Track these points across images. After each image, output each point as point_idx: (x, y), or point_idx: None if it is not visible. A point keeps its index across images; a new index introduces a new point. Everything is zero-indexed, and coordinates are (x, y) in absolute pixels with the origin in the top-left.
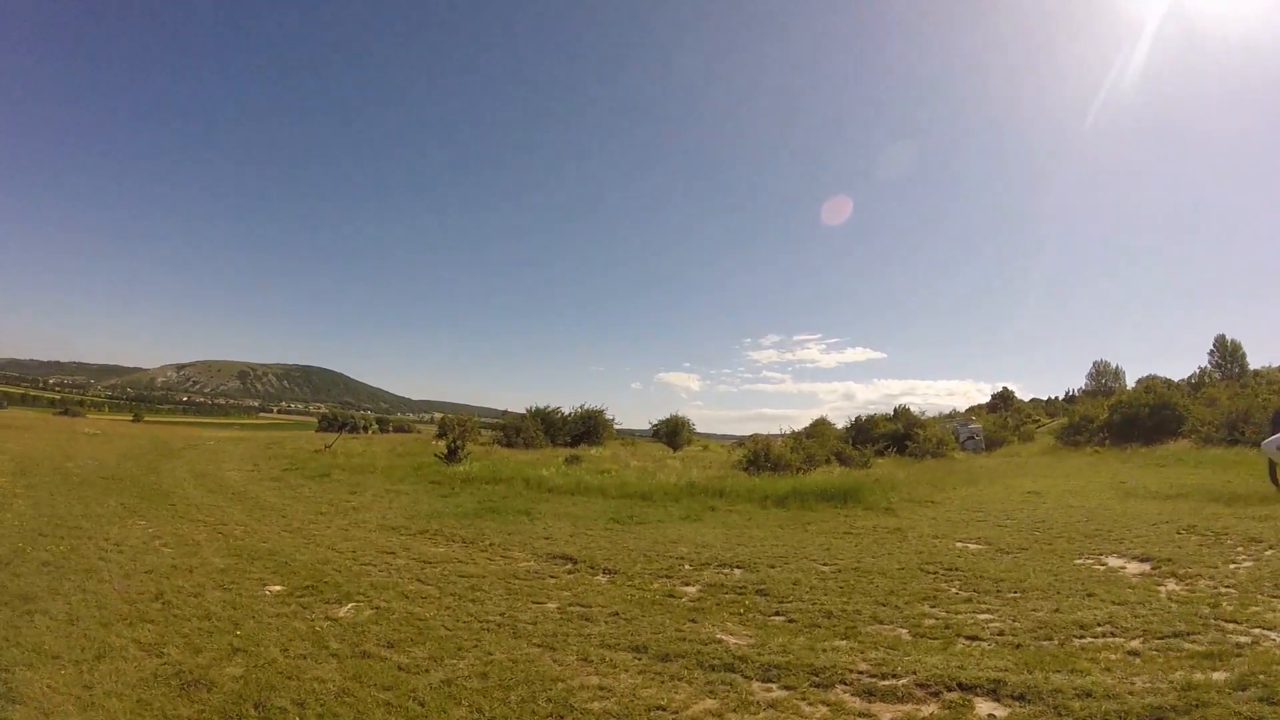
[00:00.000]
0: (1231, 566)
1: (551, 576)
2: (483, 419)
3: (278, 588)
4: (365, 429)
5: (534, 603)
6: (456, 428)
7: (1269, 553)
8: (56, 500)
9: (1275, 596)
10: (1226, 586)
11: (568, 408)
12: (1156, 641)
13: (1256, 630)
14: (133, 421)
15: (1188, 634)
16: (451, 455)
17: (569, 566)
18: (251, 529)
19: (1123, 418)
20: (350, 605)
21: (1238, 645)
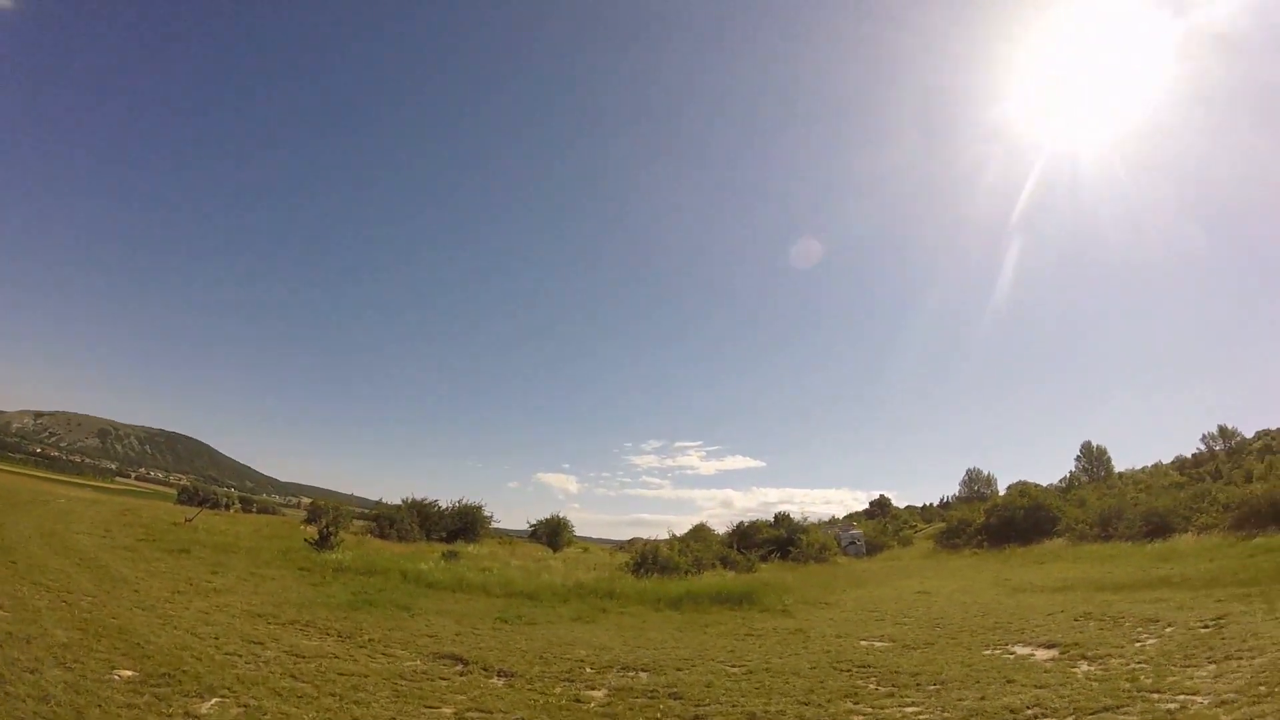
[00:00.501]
0: (1137, 645)
1: (442, 678)
2: (354, 508)
3: (129, 672)
4: (228, 506)
5: (426, 707)
6: (329, 513)
7: (1169, 629)
8: None
9: (1189, 666)
10: (1138, 662)
11: (444, 502)
12: (1090, 718)
13: (1181, 696)
14: None
15: (1117, 707)
16: (323, 542)
17: (459, 667)
18: (100, 601)
19: (999, 520)
20: (214, 700)
21: (1169, 711)
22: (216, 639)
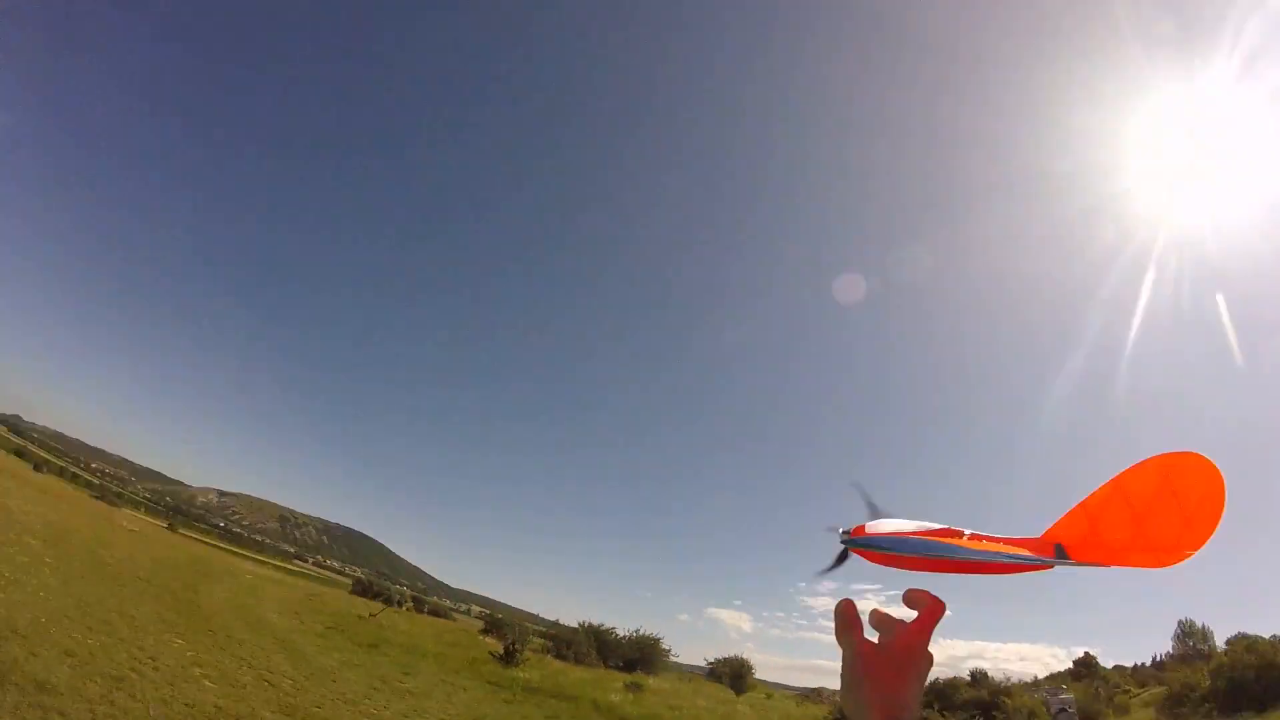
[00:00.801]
0: None
1: None
2: (529, 624)
3: None
4: (401, 604)
5: None
6: (514, 629)
7: None
8: (87, 585)
9: None
10: None
11: (621, 629)
12: None
13: None
14: (167, 529)
15: None
16: (509, 657)
17: None
18: (301, 686)
19: (1227, 683)
20: None
21: None
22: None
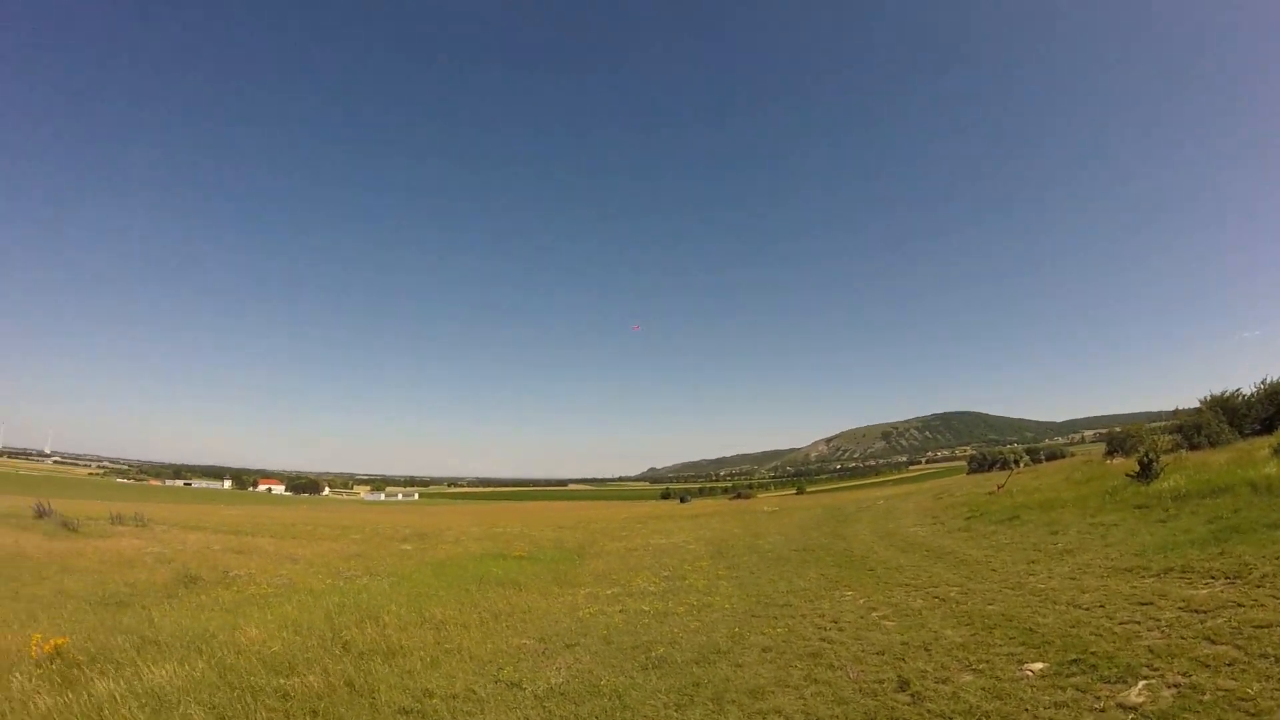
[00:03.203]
0: None
1: None
2: (1150, 424)
3: (1037, 665)
4: (1017, 463)
5: None
6: (1141, 439)
7: None
8: (760, 578)
9: None
10: None
11: (1246, 388)
12: None
13: None
14: (797, 494)
15: None
16: (1145, 471)
17: None
18: (968, 589)
19: None
20: (1141, 684)
21: None
22: (1102, 607)
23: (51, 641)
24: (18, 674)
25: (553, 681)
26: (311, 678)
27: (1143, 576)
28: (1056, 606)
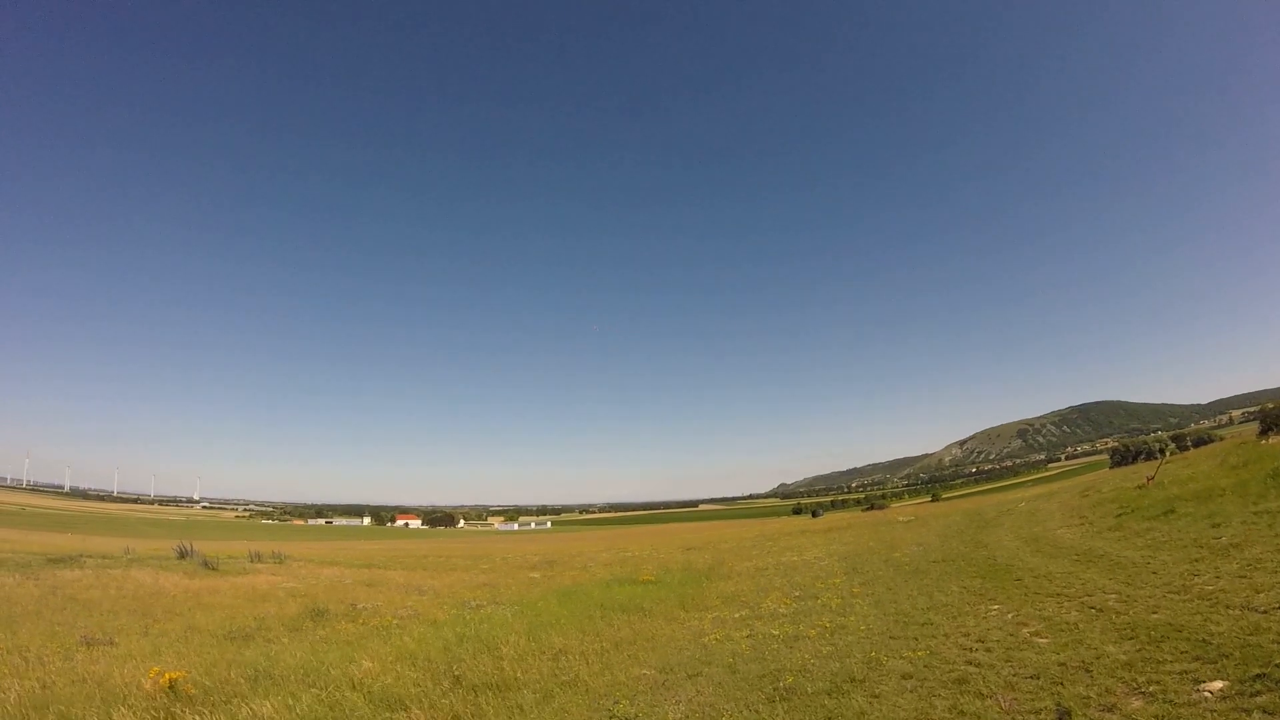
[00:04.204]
0: None
1: None
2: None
3: (1216, 684)
4: (1163, 451)
5: None
6: None
7: None
8: (897, 594)
9: None
10: None
11: None
12: None
13: None
14: (932, 501)
15: None
16: None
17: None
18: (1127, 596)
19: None
20: None
21: None
22: None
23: (167, 675)
24: (123, 707)
25: (670, 717)
26: (417, 711)
27: None
28: (1230, 611)
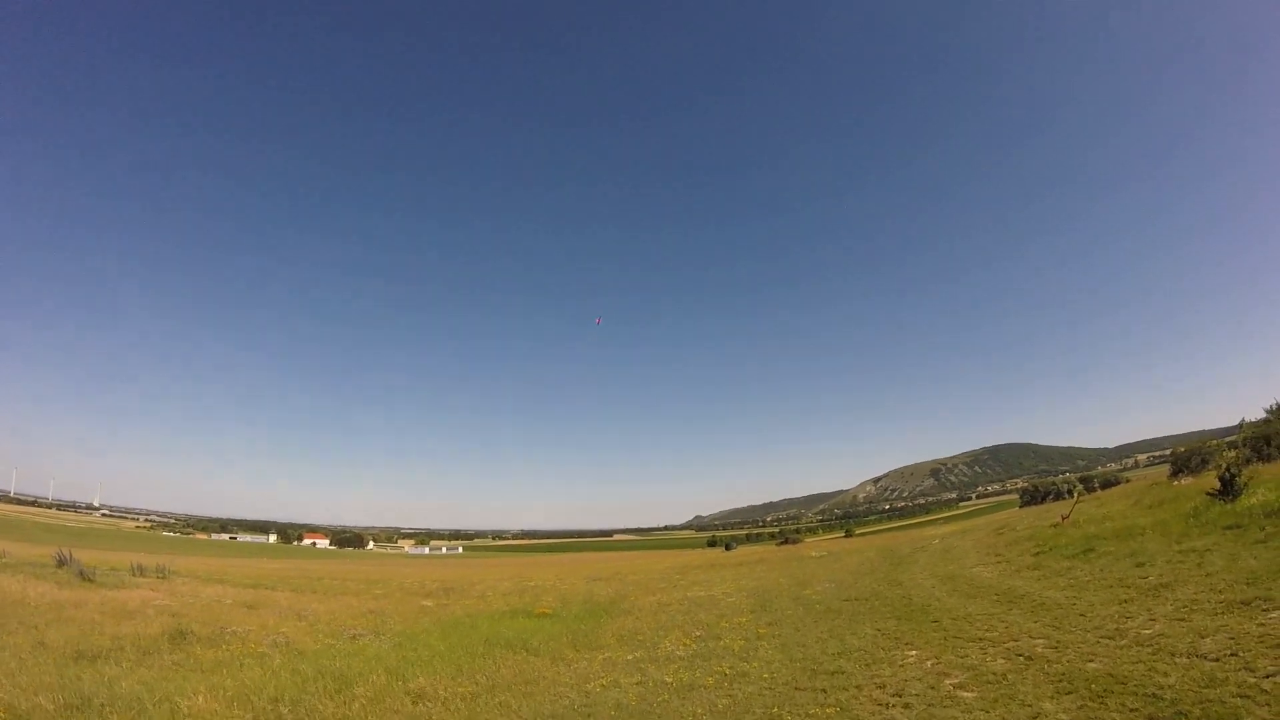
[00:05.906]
0: None
1: None
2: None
3: None
4: (1071, 492)
5: None
6: (1215, 455)
7: None
8: (806, 636)
9: None
10: None
11: None
12: None
13: None
14: (846, 537)
15: None
16: (1227, 489)
17: None
18: (1057, 642)
19: None
20: None
21: None
22: (1234, 656)
23: None
24: None
25: None
26: None
27: (1267, 610)
28: (1176, 660)
